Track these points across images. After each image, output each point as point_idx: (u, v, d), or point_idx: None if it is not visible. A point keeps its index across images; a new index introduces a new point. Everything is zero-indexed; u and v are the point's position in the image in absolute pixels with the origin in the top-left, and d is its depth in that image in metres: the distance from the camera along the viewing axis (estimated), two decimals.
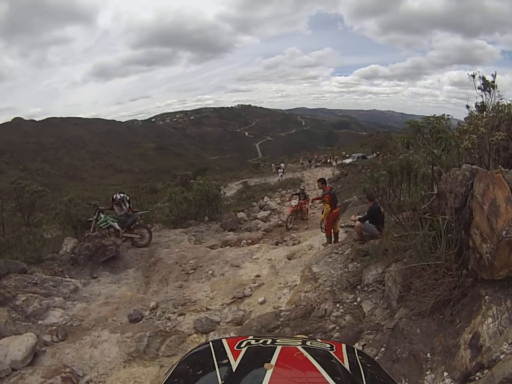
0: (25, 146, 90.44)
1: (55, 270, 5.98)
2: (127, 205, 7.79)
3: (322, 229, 6.93)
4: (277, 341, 1.07)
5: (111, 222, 7.35)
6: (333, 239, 6.39)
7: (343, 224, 7.39)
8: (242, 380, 0.83)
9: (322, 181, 6.63)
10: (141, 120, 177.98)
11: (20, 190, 9.26)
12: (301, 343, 1.06)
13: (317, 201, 8.67)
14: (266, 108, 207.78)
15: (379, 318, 3.35)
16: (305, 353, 0.95)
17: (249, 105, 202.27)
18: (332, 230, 6.41)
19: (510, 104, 3.66)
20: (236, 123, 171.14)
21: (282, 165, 24.27)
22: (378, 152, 23.15)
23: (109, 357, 3.46)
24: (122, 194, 7.86)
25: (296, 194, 11.02)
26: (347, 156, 29.68)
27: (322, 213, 6.54)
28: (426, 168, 4.01)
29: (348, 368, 0.91)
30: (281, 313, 3.89)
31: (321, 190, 6.55)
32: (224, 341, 1.09)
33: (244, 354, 0.95)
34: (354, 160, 25.17)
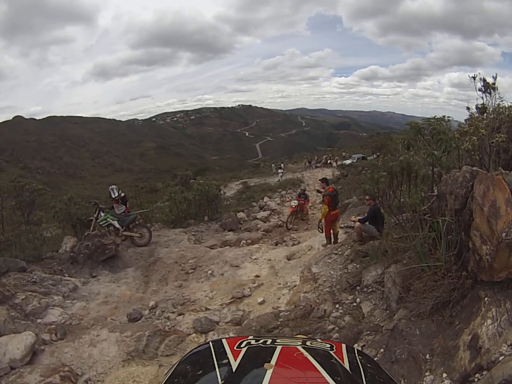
0: (25, 145, 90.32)
1: (54, 269, 5.97)
2: (114, 196, 7.79)
3: (319, 229, 6.92)
4: (277, 341, 1.07)
5: (111, 221, 7.36)
6: (332, 240, 6.39)
7: (342, 225, 7.39)
8: (242, 379, 0.83)
9: (324, 181, 6.58)
10: (141, 120, 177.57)
11: (20, 188, 9.26)
12: (301, 343, 1.06)
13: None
14: (266, 108, 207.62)
15: (378, 319, 3.35)
16: (305, 353, 0.95)
17: (250, 106, 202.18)
18: (332, 231, 6.41)
19: (510, 106, 3.67)
20: (236, 123, 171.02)
21: (282, 165, 24.28)
22: (378, 153, 23.15)
23: (107, 356, 3.46)
24: (116, 193, 7.91)
25: (297, 195, 11.03)
26: (347, 156, 29.69)
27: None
28: (427, 170, 4.00)
29: (348, 368, 0.91)
30: (281, 314, 3.89)
31: (323, 190, 6.52)
32: (224, 341, 1.09)
33: (244, 354, 0.94)
34: (355, 161, 25.16)
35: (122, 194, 8.03)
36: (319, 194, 15.37)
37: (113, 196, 7.79)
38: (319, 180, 6.90)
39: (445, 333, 2.55)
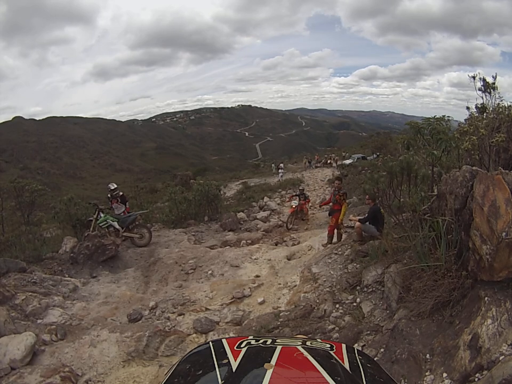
0: (25, 145, 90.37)
1: (54, 269, 5.97)
2: (112, 188, 7.89)
3: (343, 229, 6.60)
4: (277, 341, 1.07)
5: (110, 221, 7.36)
6: (336, 239, 6.37)
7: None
8: (242, 379, 0.83)
9: (340, 180, 6.46)
10: (141, 120, 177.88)
11: (20, 189, 9.26)
12: (301, 343, 1.05)
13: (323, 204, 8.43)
14: (266, 108, 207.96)
15: (378, 319, 3.35)
16: (305, 353, 0.95)
17: (250, 106, 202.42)
18: (335, 230, 6.40)
19: (510, 105, 3.67)
20: (236, 123, 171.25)
21: (281, 165, 24.28)
22: (378, 153, 23.13)
23: (108, 357, 3.46)
24: (115, 185, 7.99)
25: (296, 195, 11.01)
26: (347, 156, 29.71)
27: (340, 213, 6.17)
28: (427, 169, 4.01)
29: (348, 368, 0.91)
30: (281, 314, 3.90)
31: (332, 190, 6.42)
32: (224, 341, 1.09)
33: (244, 354, 0.94)
34: (354, 161, 25.14)
35: (121, 193, 8.02)
36: (319, 194, 15.34)
37: (111, 188, 7.83)
38: (336, 179, 6.71)
39: (445, 333, 2.55)
